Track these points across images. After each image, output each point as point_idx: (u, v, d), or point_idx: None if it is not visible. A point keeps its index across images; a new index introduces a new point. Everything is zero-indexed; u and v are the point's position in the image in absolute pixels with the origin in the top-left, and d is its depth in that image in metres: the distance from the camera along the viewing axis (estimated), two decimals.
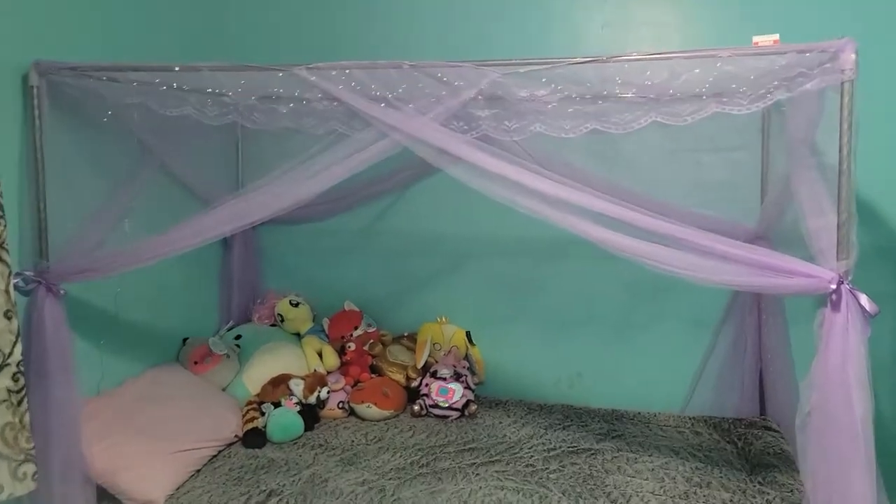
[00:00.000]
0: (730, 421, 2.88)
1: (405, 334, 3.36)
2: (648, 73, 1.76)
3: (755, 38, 1.79)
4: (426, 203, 3.33)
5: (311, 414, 2.88)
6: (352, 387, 3.11)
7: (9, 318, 1.91)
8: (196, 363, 2.93)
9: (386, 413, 2.98)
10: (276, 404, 2.82)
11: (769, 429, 2.79)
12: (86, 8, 2.44)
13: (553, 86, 1.84)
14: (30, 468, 1.96)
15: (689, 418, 2.93)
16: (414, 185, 3.30)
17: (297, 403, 2.85)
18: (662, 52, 1.72)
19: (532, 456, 2.61)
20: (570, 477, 2.42)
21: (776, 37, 1.76)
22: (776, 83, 1.69)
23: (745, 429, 2.80)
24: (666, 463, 2.52)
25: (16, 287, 1.97)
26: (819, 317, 1.71)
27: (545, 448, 2.67)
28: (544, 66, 1.83)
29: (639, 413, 2.99)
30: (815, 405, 1.69)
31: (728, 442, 2.71)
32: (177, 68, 2.11)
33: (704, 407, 3.02)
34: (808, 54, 1.62)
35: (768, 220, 2.67)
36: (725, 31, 2.87)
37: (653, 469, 2.47)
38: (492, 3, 3.12)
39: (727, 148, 2.78)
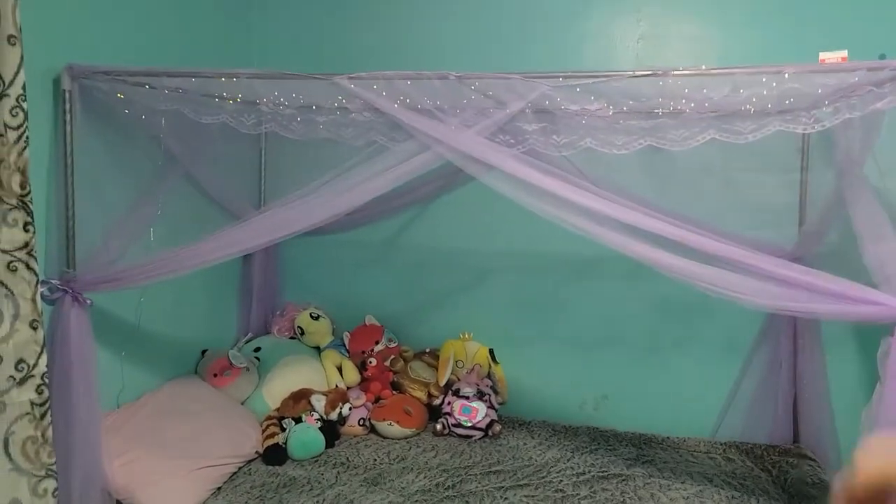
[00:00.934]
0: (762, 447, 2.80)
1: (427, 350, 3.28)
2: (705, 88, 1.69)
3: (822, 55, 1.73)
4: (450, 216, 3.27)
5: (331, 430, 2.81)
6: (373, 403, 3.04)
7: (34, 328, 1.84)
8: (215, 376, 2.86)
9: (408, 431, 2.91)
10: (297, 420, 2.75)
11: (804, 457, 2.70)
12: (120, 12, 2.39)
13: (606, 100, 1.78)
14: (51, 484, 1.89)
15: (721, 444, 2.85)
16: (438, 199, 3.24)
17: (318, 419, 2.78)
18: (725, 67, 1.66)
19: (561, 480, 2.53)
20: (602, 503, 2.34)
21: (844, 53, 1.70)
22: (842, 101, 1.62)
23: (779, 456, 2.71)
24: (700, 491, 2.44)
25: (42, 296, 1.91)
26: (884, 346, 1.65)
27: (574, 472, 2.59)
28: (597, 80, 1.77)
29: (668, 438, 2.91)
30: None
31: (762, 469, 2.63)
32: (213, 75, 2.05)
33: (735, 432, 2.94)
34: (879, 72, 1.56)
35: (808, 241, 2.60)
36: (761, 46, 2.81)
37: (687, 497, 2.39)
38: (527, 17, 3.07)
39: (763, 167, 2.72)
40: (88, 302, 2.07)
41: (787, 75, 1.60)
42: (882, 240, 1.70)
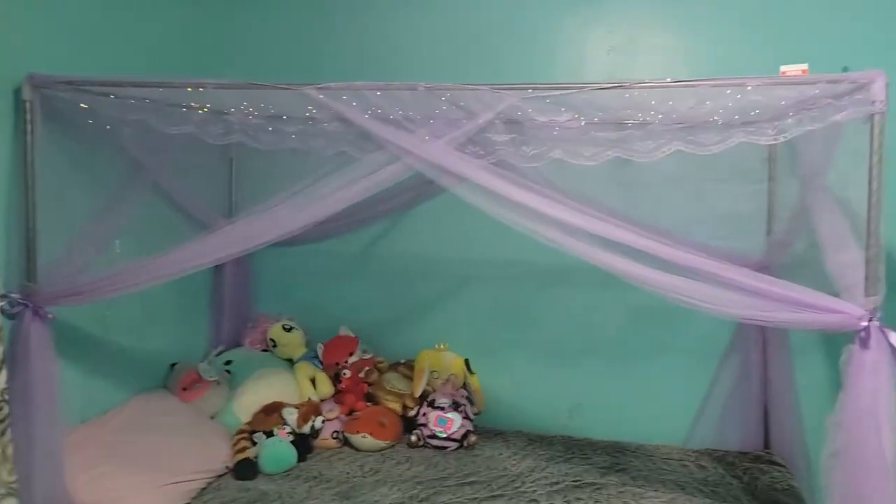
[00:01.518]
0: (734, 454, 2.82)
1: (402, 361, 3.27)
2: (671, 100, 1.71)
3: (783, 68, 1.76)
4: (424, 227, 3.27)
5: (304, 444, 2.77)
6: (346, 416, 3.01)
7: None
8: (184, 389, 2.81)
9: (382, 444, 2.88)
10: (269, 433, 2.71)
11: (774, 463, 2.73)
12: (83, 20, 2.36)
13: (574, 111, 1.79)
14: (11, 502, 1.84)
15: (693, 451, 2.87)
16: (411, 209, 3.23)
17: (290, 433, 2.75)
18: (690, 79, 1.68)
19: (535, 490, 2.52)
20: None
21: (805, 66, 1.73)
22: (804, 113, 1.65)
23: (751, 463, 2.74)
24: (673, 499, 2.45)
25: (1, 310, 1.87)
26: (846, 354, 1.67)
27: (548, 482, 2.59)
28: (566, 91, 1.77)
29: (641, 445, 2.92)
30: (843, 445, 1.64)
31: (734, 476, 2.65)
32: (179, 85, 2.02)
33: (707, 440, 2.96)
34: (838, 85, 1.59)
35: (775, 251, 2.63)
36: (730, 58, 2.85)
37: None
38: (498, 29, 3.08)
39: (730, 177, 2.75)
40: (50, 316, 2.03)
41: (749, 88, 1.63)
42: (843, 249, 1.72)
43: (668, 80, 1.71)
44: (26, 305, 2.00)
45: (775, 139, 1.70)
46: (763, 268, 2.59)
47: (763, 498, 2.47)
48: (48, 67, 2.09)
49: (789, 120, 1.67)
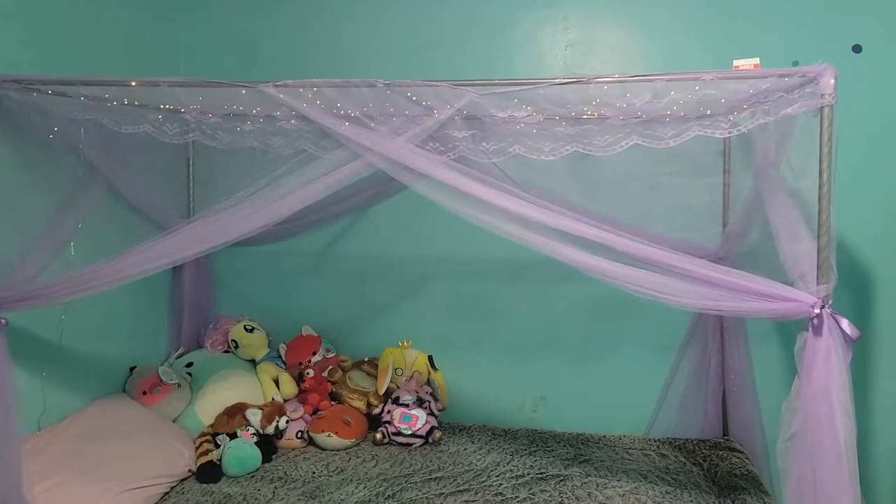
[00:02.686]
0: (694, 442, 2.88)
1: (366, 359, 3.26)
2: (629, 95, 1.74)
3: (735, 62, 1.80)
4: (385, 225, 3.26)
5: (268, 445, 2.75)
6: (311, 415, 2.99)
7: None
8: (144, 393, 2.76)
9: (347, 442, 2.87)
10: (232, 435, 2.69)
11: (733, 450, 2.80)
12: (35, 18, 2.30)
13: (533, 107, 1.80)
14: None
15: (655, 440, 2.92)
16: (373, 207, 3.23)
17: (254, 434, 2.72)
18: (646, 73, 1.71)
19: (500, 484, 2.54)
20: None
21: (756, 60, 1.77)
22: (757, 107, 1.69)
23: (710, 450, 2.80)
24: (636, 488, 2.49)
25: None
26: (800, 341, 1.72)
27: (513, 475, 2.61)
28: (524, 87, 1.79)
29: (604, 436, 2.96)
30: (798, 429, 1.69)
31: (694, 464, 2.71)
32: (133, 83, 1.98)
33: (668, 429, 3.02)
34: (788, 79, 1.63)
35: (730, 242, 2.70)
36: (685, 54, 2.91)
37: (623, 494, 2.44)
38: (457, 26, 3.10)
39: (686, 171, 2.81)
40: (3, 321, 1.97)
41: (704, 81, 1.66)
42: (796, 239, 1.77)
43: (626, 75, 1.73)
44: None
45: (730, 132, 1.74)
46: (719, 259, 2.65)
47: (723, 484, 2.53)
48: None
49: (743, 113, 1.71)
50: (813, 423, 1.65)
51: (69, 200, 2.39)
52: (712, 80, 1.67)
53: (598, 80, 1.74)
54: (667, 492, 2.46)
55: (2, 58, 2.11)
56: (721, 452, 2.77)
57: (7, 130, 2.10)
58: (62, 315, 2.41)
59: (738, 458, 2.72)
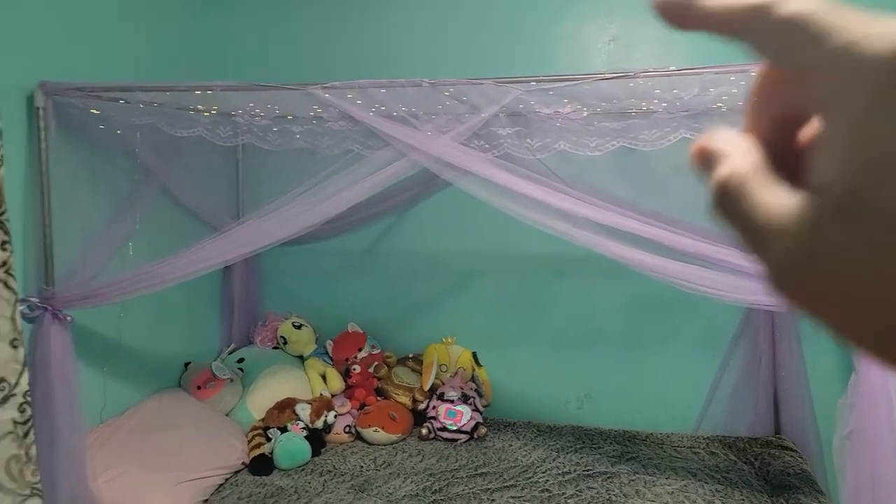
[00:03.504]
0: (745, 440, 2.84)
1: (410, 356, 3.29)
2: (675, 89, 1.72)
3: None
4: (429, 222, 3.29)
5: (317, 439, 2.81)
6: (358, 410, 3.04)
7: (14, 347, 1.83)
8: (199, 388, 2.85)
9: (393, 437, 2.91)
10: (283, 429, 2.75)
11: (786, 448, 2.75)
12: (92, 27, 2.38)
13: (578, 102, 1.80)
14: (36, 503, 1.88)
15: (703, 438, 2.88)
16: (417, 204, 3.26)
17: (303, 428, 2.78)
18: (694, 66, 1.69)
19: (547, 480, 2.55)
20: (588, 502, 2.37)
21: None
22: None
23: (761, 448, 2.76)
24: (685, 486, 2.47)
25: (21, 314, 1.89)
26: None
27: (559, 472, 2.61)
28: (569, 83, 1.79)
29: (651, 434, 2.94)
30: (856, 426, 1.65)
31: (745, 462, 2.67)
32: (188, 88, 2.05)
33: (717, 426, 2.98)
34: None
35: None
36: (731, 47, 2.85)
37: (672, 492, 2.42)
38: (500, 23, 3.10)
39: None
40: (69, 319, 2.06)
41: (753, 73, 1.63)
42: None
43: (672, 68, 1.72)
44: (45, 309, 2.03)
45: None
46: None
47: (776, 482, 2.49)
48: (59, 75, 2.12)
49: None
50: (871, 419, 1.62)
51: (127, 203, 2.48)
52: None
53: (645, 73, 1.73)
54: (717, 490, 2.43)
55: (62, 66, 2.19)
56: (773, 451, 2.72)
57: (70, 136, 2.18)
58: (121, 313, 2.50)
59: (792, 456, 2.67)
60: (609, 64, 2.98)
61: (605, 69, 2.83)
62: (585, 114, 1.84)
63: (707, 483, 2.48)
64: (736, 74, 1.68)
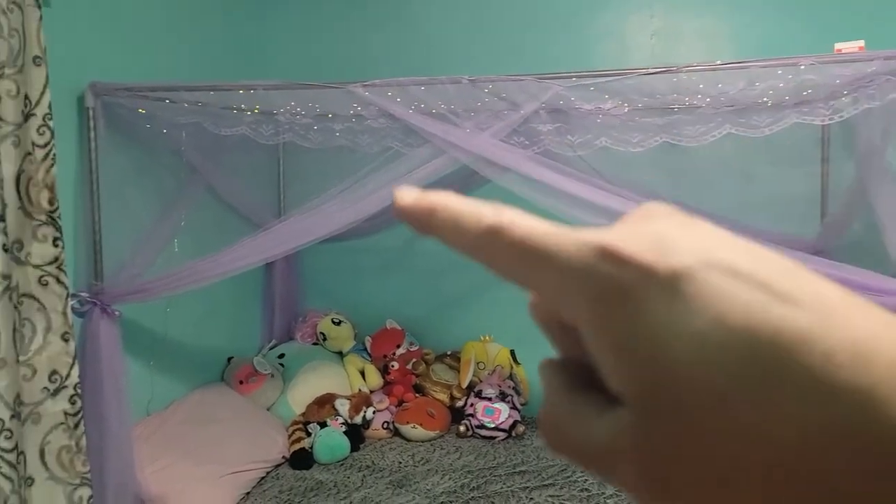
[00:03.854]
0: None
1: (448, 353, 3.30)
2: (721, 83, 1.69)
3: (837, 45, 1.72)
4: None
5: (356, 434, 2.83)
6: (396, 406, 3.06)
7: (66, 341, 1.89)
8: (241, 382, 2.90)
9: (431, 434, 2.92)
10: (322, 424, 2.78)
11: None
12: (138, 28, 2.44)
13: (620, 98, 1.78)
14: (85, 492, 1.93)
15: None
16: None
17: (342, 423, 2.81)
18: (740, 60, 1.66)
19: (586, 480, 2.52)
20: (628, 502, 2.34)
21: (861, 43, 1.68)
22: (860, 91, 1.61)
23: None
24: None
25: (72, 309, 1.95)
26: None
27: None
28: (612, 78, 1.77)
29: None
30: None
31: None
32: (231, 87, 2.08)
33: None
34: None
35: (830, 234, 2.57)
36: (779, 38, 2.80)
37: None
38: (539, 18, 3.08)
39: (782, 160, 2.70)
40: (117, 313, 2.11)
41: (802, 67, 1.60)
42: None
43: (718, 62, 1.69)
44: (95, 304, 2.09)
45: (831, 119, 1.66)
46: (818, 251, 2.53)
47: None
48: (105, 75, 2.17)
49: (845, 99, 1.63)
50: None
51: (173, 200, 2.54)
52: (812, 64, 1.60)
53: (689, 68, 1.70)
54: None
55: (110, 67, 2.25)
56: None
57: (118, 136, 2.24)
58: (167, 308, 2.55)
59: None
60: (652, 59, 2.94)
61: (648, 64, 2.80)
62: (627, 109, 1.81)
63: None
64: (783, 68, 1.63)
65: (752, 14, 2.85)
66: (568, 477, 2.54)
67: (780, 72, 1.62)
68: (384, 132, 2.09)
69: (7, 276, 1.69)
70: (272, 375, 2.98)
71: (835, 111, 1.65)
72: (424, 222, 0.26)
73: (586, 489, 2.44)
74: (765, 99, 1.72)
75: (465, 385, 3.10)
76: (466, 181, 3.07)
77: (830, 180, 2.68)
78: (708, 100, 1.75)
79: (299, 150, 2.57)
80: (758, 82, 1.65)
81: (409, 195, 0.26)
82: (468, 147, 1.93)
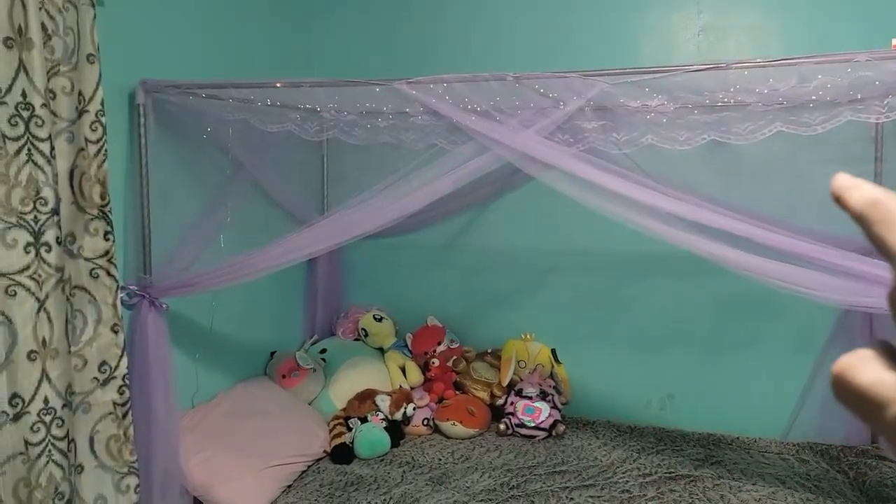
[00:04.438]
0: (838, 448, 2.70)
1: (489, 351, 3.29)
2: (771, 80, 1.65)
3: (895, 41, 1.66)
4: (508, 217, 3.27)
5: (396, 430, 2.84)
6: (436, 403, 3.07)
7: (115, 332, 1.94)
8: (284, 377, 2.94)
9: (471, 431, 2.92)
10: (363, 419, 2.80)
11: (883, 458, 2.60)
12: (187, 26, 2.49)
13: (666, 95, 1.75)
14: (133, 481, 1.99)
15: (793, 445, 2.76)
16: (497, 199, 3.24)
17: (383, 419, 2.82)
18: (791, 57, 1.62)
19: (627, 481, 2.50)
20: None
21: None
22: None
23: (857, 458, 2.61)
24: (773, 493, 2.37)
25: (121, 301, 2.01)
26: None
27: (640, 473, 2.56)
28: (658, 75, 1.74)
29: (737, 438, 2.83)
30: None
31: (838, 471, 2.54)
32: (277, 84, 2.11)
33: (808, 433, 2.84)
34: None
35: None
36: (830, 33, 2.72)
37: (759, 499, 2.33)
38: (584, 14, 3.05)
39: (834, 158, 2.63)
40: (164, 306, 2.16)
41: (859, 63, 1.55)
42: None
43: (768, 58, 1.65)
44: (143, 296, 2.14)
45: (886, 116, 1.61)
46: (870, 252, 2.46)
47: (872, 494, 2.36)
48: (155, 73, 2.22)
49: None
50: None
51: (219, 196, 2.58)
52: (868, 61, 1.55)
53: (739, 65, 1.67)
54: (808, 499, 2.32)
55: (160, 64, 2.30)
56: (869, 461, 2.58)
57: (167, 131, 2.29)
58: (213, 302, 2.60)
59: (890, 467, 2.52)
60: (699, 55, 2.88)
61: (694, 60, 2.75)
62: (674, 107, 1.78)
63: (797, 491, 2.38)
64: (836, 64, 1.59)
65: (802, 9, 2.77)
66: (609, 478, 2.52)
67: (833, 68, 1.58)
68: (428, 129, 2.09)
69: (60, 269, 1.74)
70: (314, 370, 3.02)
71: (890, 109, 1.60)
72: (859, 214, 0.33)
73: (627, 490, 2.42)
74: (817, 96, 1.67)
75: (505, 383, 3.09)
76: (510, 178, 3.06)
77: (884, 179, 2.60)
78: (757, 97, 1.71)
79: (343, 148, 2.59)
80: (810, 79, 1.61)
81: (850, 184, 0.34)
82: (512, 144, 1.92)
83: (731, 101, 1.82)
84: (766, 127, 1.71)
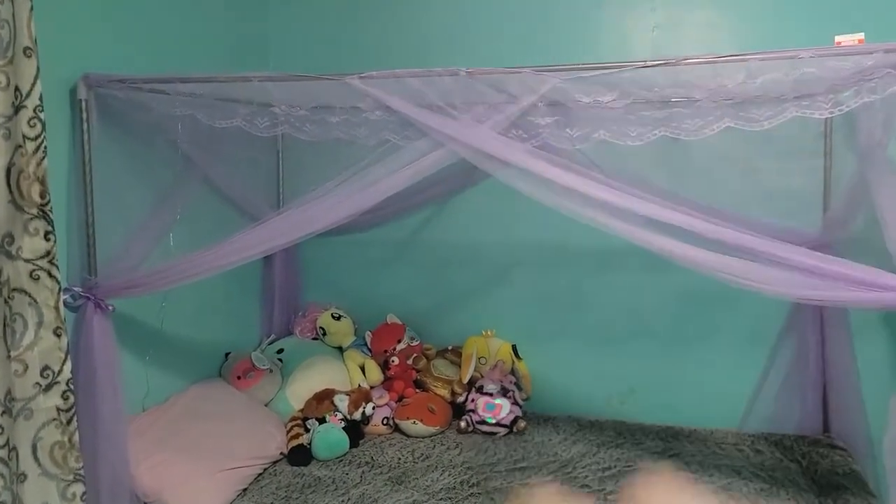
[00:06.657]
0: (792, 438, 2.75)
1: (449, 348, 3.28)
2: (720, 76, 1.66)
3: (838, 38, 1.69)
4: (468, 213, 3.26)
5: (355, 430, 2.81)
6: (396, 402, 3.04)
7: (58, 336, 1.87)
8: (239, 378, 2.88)
9: (432, 429, 2.90)
10: (321, 420, 2.76)
11: (835, 447, 2.65)
12: (133, 19, 2.42)
13: (619, 91, 1.76)
14: (79, 488, 1.92)
15: (748, 435, 2.81)
16: (457, 195, 3.23)
17: (341, 419, 2.79)
18: (739, 53, 1.63)
19: (587, 476, 2.51)
20: (629, 498, 2.32)
21: (861, 36, 1.66)
22: (861, 85, 1.58)
23: (809, 447, 2.67)
24: (729, 483, 2.41)
25: (65, 303, 1.94)
26: None
27: (600, 467, 2.57)
28: (609, 71, 1.74)
29: (695, 430, 2.87)
30: None
31: (791, 461, 2.59)
32: (226, 79, 2.06)
33: (763, 423, 2.89)
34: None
35: (832, 228, 2.55)
36: (780, 31, 2.76)
37: (715, 490, 2.36)
38: (540, 10, 3.05)
39: (784, 153, 2.68)
40: (111, 308, 2.10)
41: (803, 60, 1.57)
42: None
43: (716, 55, 1.66)
44: (88, 298, 2.07)
45: (831, 112, 1.64)
46: (820, 246, 2.50)
47: (823, 482, 2.41)
48: (99, 67, 2.15)
49: (846, 92, 1.61)
50: None
51: (169, 193, 2.51)
52: (812, 57, 1.58)
53: (688, 61, 1.68)
54: (762, 489, 2.36)
55: (105, 58, 2.23)
56: (821, 449, 2.63)
57: (112, 127, 2.22)
58: (163, 302, 2.54)
59: (841, 455, 2.58)
60: (654, 52, 2.91)
61: (649, 57, 2.76)
62: (626, 103, 1.79)
63: (752, 481, 2.42)
64: (782, 61, 1.61)
65: (753, 7, 2.82)
66: (569, 473, 2.53)
67: (779, 65, 1.60)
68: (381, 125, 2.06)
69: None
70: (270, 371, 2.97)
71: (835, 104, 1.62)
72: None
73: (587, 485, 2.43)
74: (764, 93, 1.69)
75: (466, 380, 3.08)
76: (469, 174, 3.05)
77: (833, 174, 2.65)
78: (706, 93, 1.73)
79: (299, 143, 2.54)
80: (757, 75, 1.63)
81: None
82: (465, 140, 1.91)
83: (682, 97, 1.83)
84: (715, 122, 1.72)
